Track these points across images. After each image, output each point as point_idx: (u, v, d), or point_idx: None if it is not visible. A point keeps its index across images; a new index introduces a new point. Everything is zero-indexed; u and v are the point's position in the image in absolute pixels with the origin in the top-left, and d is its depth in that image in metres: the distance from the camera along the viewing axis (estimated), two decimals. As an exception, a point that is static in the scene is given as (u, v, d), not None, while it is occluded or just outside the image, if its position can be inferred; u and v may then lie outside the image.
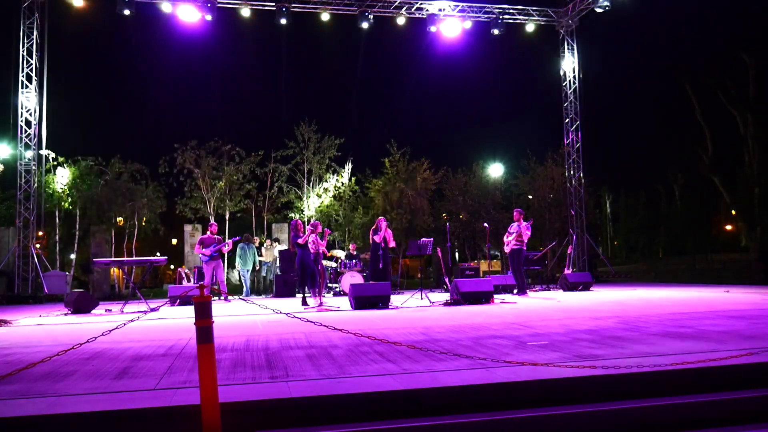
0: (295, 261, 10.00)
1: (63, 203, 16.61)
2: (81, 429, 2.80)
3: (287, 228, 15.72)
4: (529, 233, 11.33)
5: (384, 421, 2.94)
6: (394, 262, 17.97)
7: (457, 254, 22.96)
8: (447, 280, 12.26)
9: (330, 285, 13.71)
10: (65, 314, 9.32)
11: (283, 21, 15.29)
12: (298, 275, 10.01)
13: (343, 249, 15.13)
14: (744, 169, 31.11)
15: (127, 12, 14.31)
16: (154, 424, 2.86)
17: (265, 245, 15.47)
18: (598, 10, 15.96)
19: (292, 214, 18.01)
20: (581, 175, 17.73)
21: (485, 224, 13.31)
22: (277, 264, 14.64)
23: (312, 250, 10.08)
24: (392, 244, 11.92)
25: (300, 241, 9.89)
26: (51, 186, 16.28)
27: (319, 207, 18.07)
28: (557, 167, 19.25)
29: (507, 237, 11.55)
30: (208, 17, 14.91)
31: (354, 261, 13.56)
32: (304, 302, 9.86)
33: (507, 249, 11.56)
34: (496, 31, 16.48)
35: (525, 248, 11.47)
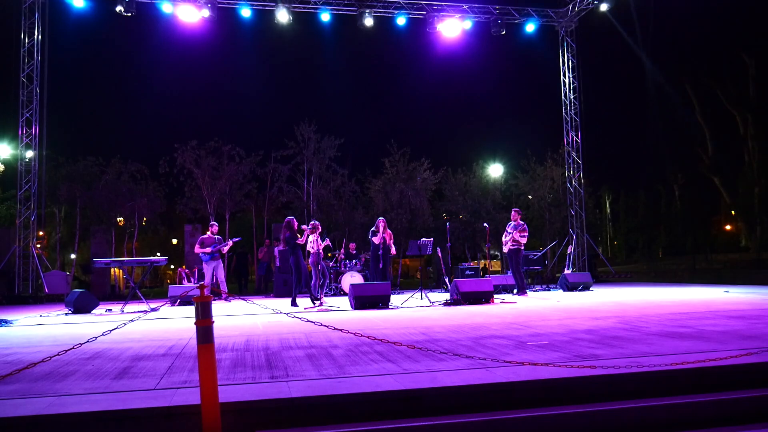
0: (290, 261, 9.95)
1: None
2: (81, 429, 2.81)
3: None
4: (526, 234, 11.29)
5: (384, 421, 2.94)
6: (393, 262, 17.97)
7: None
8: (447, 280, 12.26)
9: (330, 285, 13.69)
10: (66, 314, 9.32)
11: (283, 20, 15.30)
12: (294, 275, 9.97)
13: (340, 249, 15.12)
14: (744, 169, 31.10)
15: (127, 12, 14.32)
16: (154, 424, 2.86)
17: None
18: (603, 7, 15.98)
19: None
20: (581, 175, 17.74)
21: (485, 224, 13.31)
22: (276, 264, 14.63)
23: (312, 251, 10.07)
24: (393, 250, 11.58)
25: (300, 241, 9.87)
26: None
27: None
28: (557, 167, 19.26)
29: (505, 237, 11.55)
30: (207, 13, 14.81)
31: (354, 261, 13.56)
32: (294, 303, 9.83)
33: (506, 249, 11.56)
34: (496, 32, 16.50)
35: (523, 248, 11.46)
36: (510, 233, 11.33)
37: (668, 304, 8.03)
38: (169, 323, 7.38)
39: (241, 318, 7.73)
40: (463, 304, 9.16)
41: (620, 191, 44.94)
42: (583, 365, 3.46)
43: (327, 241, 10.42)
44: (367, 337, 4.15)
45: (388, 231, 11.46)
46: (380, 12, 16.04)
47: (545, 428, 2.97)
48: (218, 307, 9.81)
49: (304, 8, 15.75)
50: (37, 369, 3.75)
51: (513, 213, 11.54)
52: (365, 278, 12.67)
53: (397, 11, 16.13)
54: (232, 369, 3.83)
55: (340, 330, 4.15)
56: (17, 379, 3.56)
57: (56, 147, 17.29)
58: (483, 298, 9.44)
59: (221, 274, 11.74)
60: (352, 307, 9.07)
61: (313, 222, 10.26)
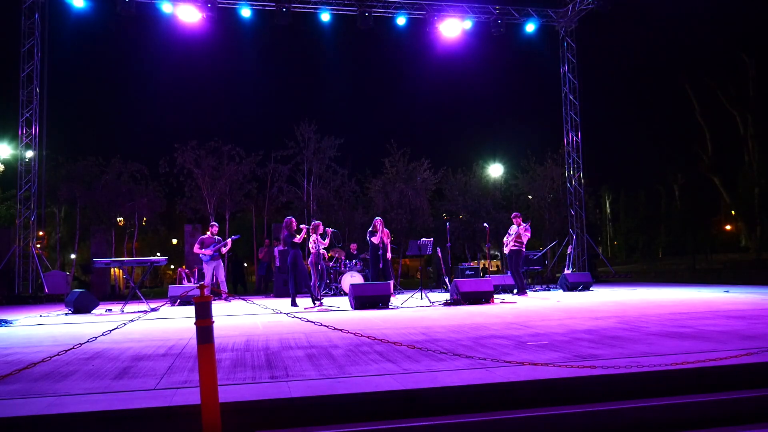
0: (287, 260, 9.94)
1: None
2: (81, 429, 2.81)
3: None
4: (529, 234, 11.32)
5: (384, 421, 2.94)
6: (393, 262, 17.97)
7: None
8: (447, 280, 12.26)
9: (330, 285, 13.69)
10: (65, 314, 9.32)
11: (284, 21, 15.30)
12: (291, 275, 9.96)
13: (342, 248, 15.13)
14: (744, 169, 31.13)
15: (127, 12, 14.31)
16: (154, 424, 2.86)
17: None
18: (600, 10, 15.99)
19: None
20: (581, 175, 17.74)
21: (485, 224, 13.31)
22: (276, 264, 14.64)
23: (313, 250, 10.04)
24: (389, 252, 11.43)
25: (297, 240, 9.84)
26: None
27: None
28: (557, 167, 19.26)
29: (506, 238, 11.55)
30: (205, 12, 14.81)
31: (354, 261, 13.55)
32: (294, 303, 9.82)
33: (506, 250, 11.55)
34: (496, 32, 16.50)
35: (524, 249, 11.46)
36: (511, 234, 11.32)
37: (668, 304, 8.03)
38: (169, 323, 7.38)
39: (241, 318, 7.73)
40: (463, 304, 9.16)
41: (620, 191, 45.01)
42: (583, 365, 3.46)
43: (330, 231, 10.43)
44: (367, 337, 4.15)
45: (386, 230, 11.39)
46: (380, 12, 16.04)
47: (545, 428, 2.96)
48: (218, 307, 9.81)
49: (304, 8, 15.75)
50: (37, 369, 3.75)
51: (514, 218, 11.42)
52: (365, 278, 12.66)
53: (397, 11, 16.13)
54: (232, 369, 3.83)
55: (340, 330, 4.15)
56: (17, 379, 3.56)
57: (56, 147, 17.31)
58: (483, 298, 9.44)
59: (221, 274, 11.74)
60: (352, 307, 9.07)
61: (314, 222, 10.25)
